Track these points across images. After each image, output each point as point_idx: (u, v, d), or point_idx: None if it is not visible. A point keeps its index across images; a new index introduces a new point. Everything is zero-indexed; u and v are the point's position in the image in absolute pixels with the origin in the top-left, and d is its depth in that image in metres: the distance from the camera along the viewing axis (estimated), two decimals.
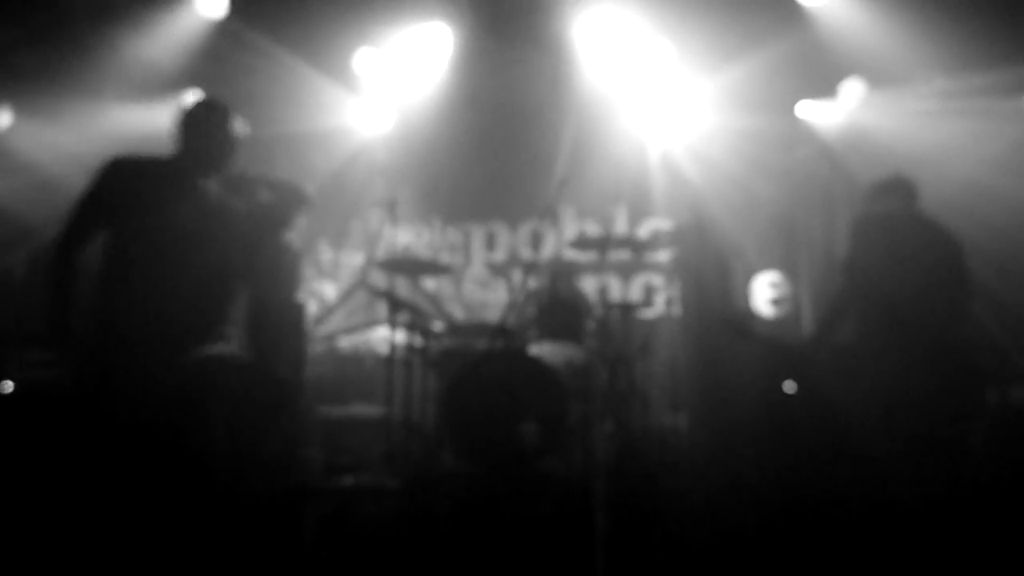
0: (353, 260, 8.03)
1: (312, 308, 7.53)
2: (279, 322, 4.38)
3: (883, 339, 3.83)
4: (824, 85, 6.52)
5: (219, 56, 6.18)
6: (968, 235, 5.19)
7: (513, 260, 7.88)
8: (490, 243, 8.01)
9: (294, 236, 7.43)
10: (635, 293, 7.38)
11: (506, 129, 7.37)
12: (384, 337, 5.59)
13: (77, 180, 6.38)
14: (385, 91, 6.65)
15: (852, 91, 6.42)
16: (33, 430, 4.24)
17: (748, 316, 6.40)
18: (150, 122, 6.55)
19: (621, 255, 7.06)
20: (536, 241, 4.72)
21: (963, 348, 3.85)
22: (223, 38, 5.96)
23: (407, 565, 3.78)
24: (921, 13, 5.39)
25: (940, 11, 5.41)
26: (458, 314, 7.78)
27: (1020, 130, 5.80)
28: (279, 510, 4.25)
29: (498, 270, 7.96)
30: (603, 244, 5.77)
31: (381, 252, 7.13)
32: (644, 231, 7.33)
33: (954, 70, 5.86)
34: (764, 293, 7.00)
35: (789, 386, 4.26)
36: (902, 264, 3.83)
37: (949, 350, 3.77)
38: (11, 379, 4.50)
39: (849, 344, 4.02)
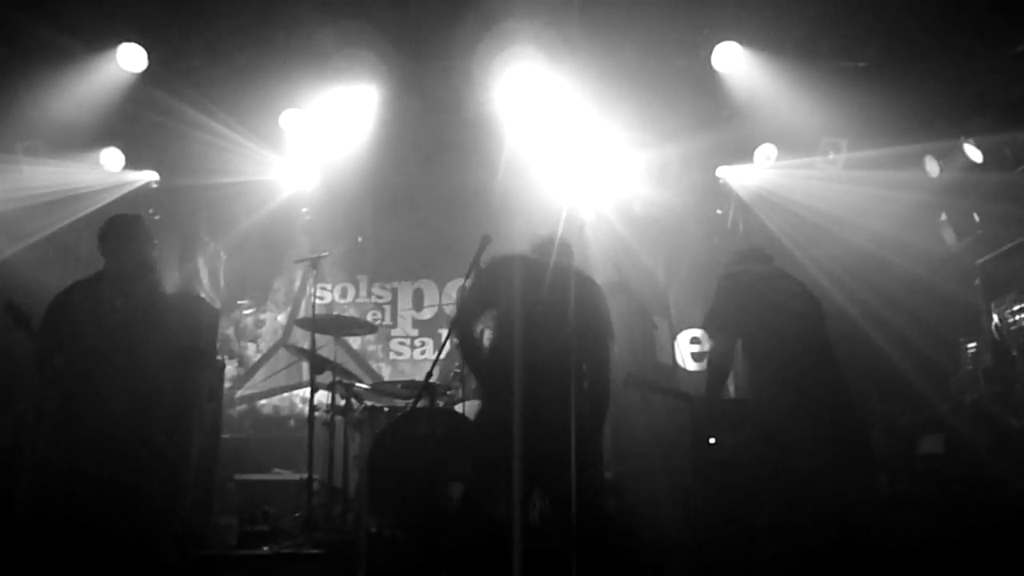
0: (275, 319, 7.86)
1: (231, 369, 7.31)
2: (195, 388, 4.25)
3: (770, 390, 3.97)
4: (741, 149, 6.80)
5: (139, 111, 6.06)
6: (878, 287, 5.45)
7: (440, 318, 7.84)
8: (417, 301, 7.96)
9: (212, 295, 7.28)
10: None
11: (432, 187, 7.42)
12: (306, 398, 5.45)
13: None
14: (311, 149, 6.62)
15: (766, 155, 6.72)
16: None
17: (667, 371, 6.52)
18: (65, 179, 6.37)
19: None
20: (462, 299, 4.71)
21: (849, 397, 4.01)
22: (143, 93, 5.85)
23: None
24: (827, 83, 5.71)
25: (844, 81, 5.75)
26: (385, 373, 7.66)
27: (920, 196, 6.15)
28: None
29: (425, 328, 7.90)
30: None
31: (304, 311, 7.01)
32: None
33: (859, 138, 6.22)
34: (688, 348, 7.14)
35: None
36: (771, 314, 3.99)
37: (837, 397, 3.93)
38: None
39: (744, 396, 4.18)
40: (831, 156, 6.39)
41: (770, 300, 4.07)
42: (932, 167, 6.10)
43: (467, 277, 4.65)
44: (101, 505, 3.53)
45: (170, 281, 6.61)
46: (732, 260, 4.46)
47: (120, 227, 3.92)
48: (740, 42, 5.72)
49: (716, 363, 4.21)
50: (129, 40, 5.55)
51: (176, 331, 3.92)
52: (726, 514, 4.09)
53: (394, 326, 7.92)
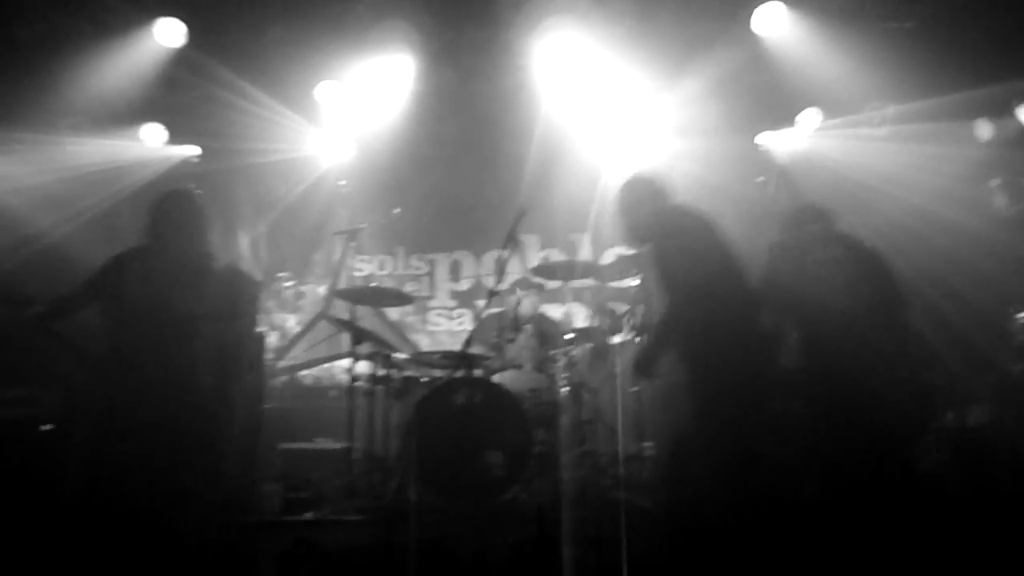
0: (315, 291, 7.95)
1: (273, 341, 7.42)
2: (237, 353, 4.32)
3: (818, 362, 3.89)
4: (782, 114, 6.66)
5: (178, 86, 6.12)
6: (925, 252, 5.31)
7: (478, 289, 7.86)
8: (455, 272, 7.99)
9: (253, 267, 7.38)
10: (599, 320, 7.38)
11: (469, 159, 7.40)
12: (346, 368, 5.51)
13: (34, 214, 6.23)
14: (347, 121, 6.64)
15: (809, 120, 6.56)
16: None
17: None
18: (107, 156, 6.48)
19: (585, 283, 7.08)
20: (500, 270, 4.71)
21: (906, 364, 3.92)
22: (181, 68, 5.90)
23: None
24: (872, 44, 5.55)
25: (890, 42, 5.58)
26: (423, 343, 7.72)
27: (972, 152, 5.96)
28: (236, 545, 4.14)
29: (463, 299, 7.93)
30: (567, 272, 5.78)
31: (344, 283, 7.07)
32: (607, 259, 7.36)
33: (906, 98, 6.03)
34: None
35: None
36: (821, 286, 3.91)
37: (889, 367, 3.83)
38: None
39: (796, 367, 4.08)
40: (877, 120, 6.22)
41: (816, 273, 3.96)
42: (984, 130, 5.91)
43: (504, 247, 4.65)
44: (150, 461, 3.61)
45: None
46: (784, 224, 4.34)
47: (174, 200, 4.06)
48: (783, 2, 5.57)
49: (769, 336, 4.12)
50: (167, 15, 5.59)
51: (219, 300, 3.99)
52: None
53: (432, 297, 7.97)
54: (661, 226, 3.85)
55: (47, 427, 4.40)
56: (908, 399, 3.85)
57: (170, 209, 4.00)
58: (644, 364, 3.85)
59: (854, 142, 6.40)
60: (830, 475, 3.78)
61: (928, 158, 6.04)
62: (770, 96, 6.44)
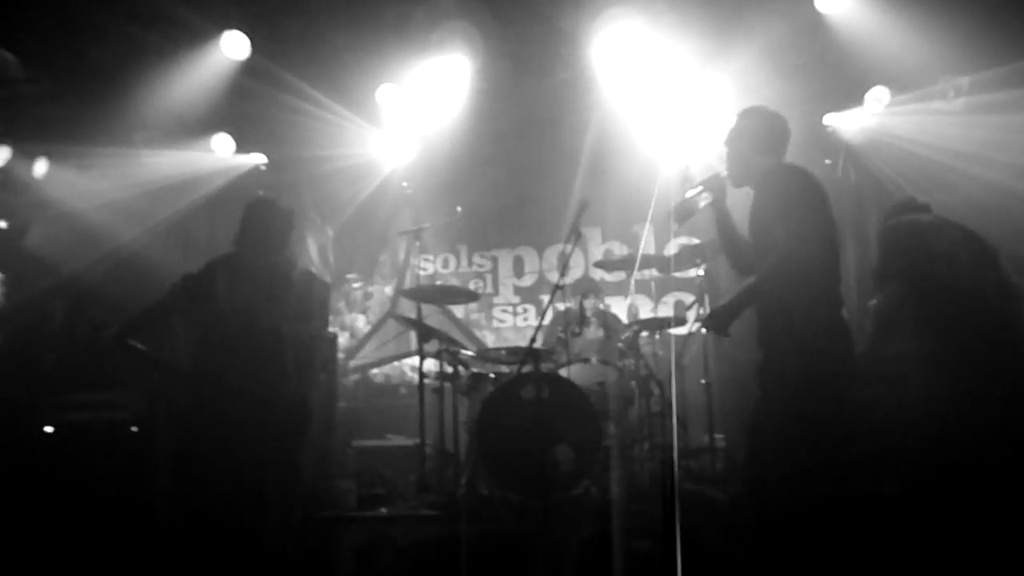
0: (383, 291, 8.08)
1: (343, 341, 7.58)
2: (311, 356, 4.45)
3: (943, 343, 3.74)
4: (849, 93, 6.45)
5: (244, 97, 6.29)
6: (1004, 234, 5.07)
7: (541, 284, 7.87)
8: (518, 268, 8.02)
9: (322, 270, 7.54)
10: (665, 312, 7.31)
11: (528, 154, 7.40)
12: (415, 366, 5.60)
13: (115, 227, 6.48)
14: (408, 123, 6.72)
15: (877, 98, 6.34)
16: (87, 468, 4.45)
17: None
18: (180, 167, 6.71)
19: (649, 274, 7.01)
20: (563, 264, 4.70)
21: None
22: (247, 78, 6.07)
23: None
24: (941, 14, 5.32)
25: (960, 10, 5.34)
26: (488, 340, 7.77)
27: None
28: (315, 541, 4.25)
29: (527, 295, 7.95)
30: (630, 264, 5.74)
31: (409, 282, 7.17)
32: (671, 249, 7.27)
33: (980, 67, 5.77)
34: None
35: None
36: (945, 267, 3.78)
37: (1007, 350, 3.70)
38: (49, 424, 4.61)
39: (908, 352, 3.91)
40: (951, 96, 5.97)
41: (938, 250, 3.84)
42: None
43: (566, 241, 4.64)
44: (234, 463, 3.75)
45: None
46: (891, 212, 4.26)
47: (260, 209, 4.25)
48: None
49: (886, 314, 3.99)
50: (232, 28, 5.76)
51: (294, 305, 4.10)
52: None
53: (496, 294, 8.01)
54: (781, 171, 3.36)
55: (134, 429, 4.59)
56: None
57: (257, 218, 4.16)
58: (722, 317, 3.36)
59: (927, 118, 6.15)
60: (935, 467, 3.65)
61: (1008, 130, 5.76)
62: (836, 74, 6.24)
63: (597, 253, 7.75)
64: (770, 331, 3.31)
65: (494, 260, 8.07)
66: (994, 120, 5.81)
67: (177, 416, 4.29)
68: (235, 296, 3.96)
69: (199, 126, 6.58)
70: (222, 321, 3.95)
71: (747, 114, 3.58)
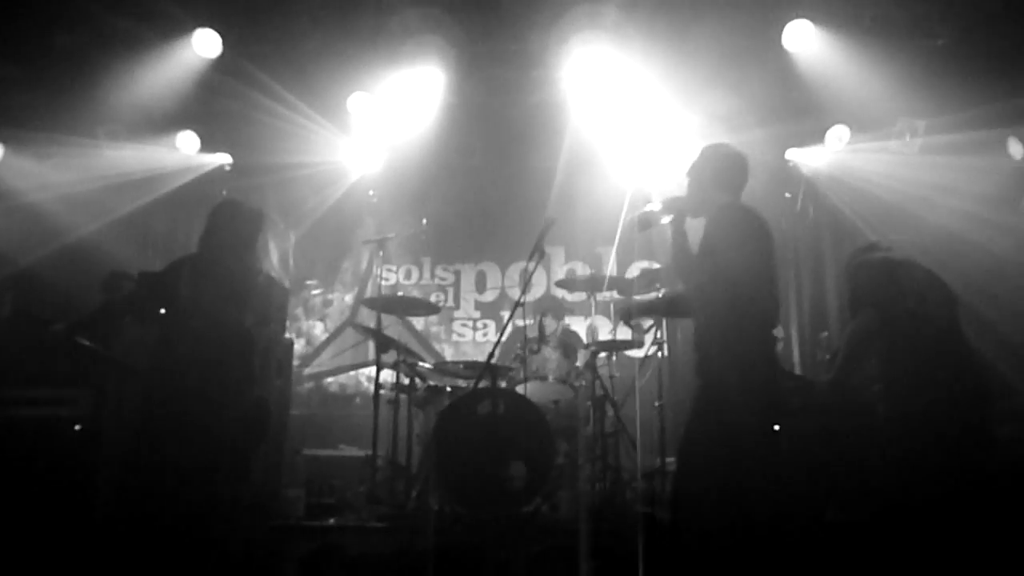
0: (343, 299, 8.03)
1: (299, 348, 7.50)
2: (267, 360, 4.40)
3: (916, 375, 3.84)
4: (812, 131, 6.63)
5: (213, 95, 6.23)
6: (960, 270, 5.24)
7: (503, 300, 7.89)
8: (480, 283, 8.03)
9: (281, 275, 7.46)
10: (623, 334, 7.37)
11: (496, 171, 7.44)
12: (371, 376, 5.57)
13: (72, 219, 6.33)
14: (377, 132, 6.71)
15: (839, 136, 6.53)
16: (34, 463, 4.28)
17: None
18: (143, 162, 6.61)
19: (610, 296, 7.07)
20: (525, 281, 4.73)
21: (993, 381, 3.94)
22: (218, 77, 6.01)
23: None
24: (902, 61, 5.52)
25: (920, 59, 5.54)
26: (447, 354, 7.76)
27: (1001, 179, 5.89)
28: (261, 549, 4.19)
29: (488, 310, 7.96)
30: (592, 285, 5.79)
31: (371, 291, 7.13)
32: (632, 272, 7.35)
33: (937, 120, 5.99)
34: None
35: None
36: (915, 303, 3.89)
37: (983, 382, 3.84)
38: None
39: (874, 379, 4.02)
40: (907, 138, 6.17)
41: (908, 287, 3.95)
42: (1016, 149, 5.84)
43: (530, 259, 4.68)
44: (182, 465, 3.67)
45: None
46: (860, 251, 4.34)
47: (227, 211, 4.18)
48: (812, 20, 5.56)
49: (859, 339, 4.04)
50: (204, 26, 5.71)
51: (255, 308, 4.06)
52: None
53: (457, 308, 8.01)
54: (731, 211, 3.50)
55: (78, 427, 4.47)
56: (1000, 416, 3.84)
57: (224, 220, 4.10)
58: (633, 309, 3.66)
59: (884, 156, 6.34)
60: (894, 493, 3.73)
61: (961, 171, 5.97)
62: (800, 111, 6.42)
63: (560, 272, 7.80)
64: (706, 361, 3.41)
65: (457, 274, 8.08)
66: (946, 161, 6.02)
67: (128, 416, 4.19)
68: (199, 297, 3.89)
69: (165, 122, 6.50)
70: (183, 321, 3.88)
71: (711, 150, 3.67)
